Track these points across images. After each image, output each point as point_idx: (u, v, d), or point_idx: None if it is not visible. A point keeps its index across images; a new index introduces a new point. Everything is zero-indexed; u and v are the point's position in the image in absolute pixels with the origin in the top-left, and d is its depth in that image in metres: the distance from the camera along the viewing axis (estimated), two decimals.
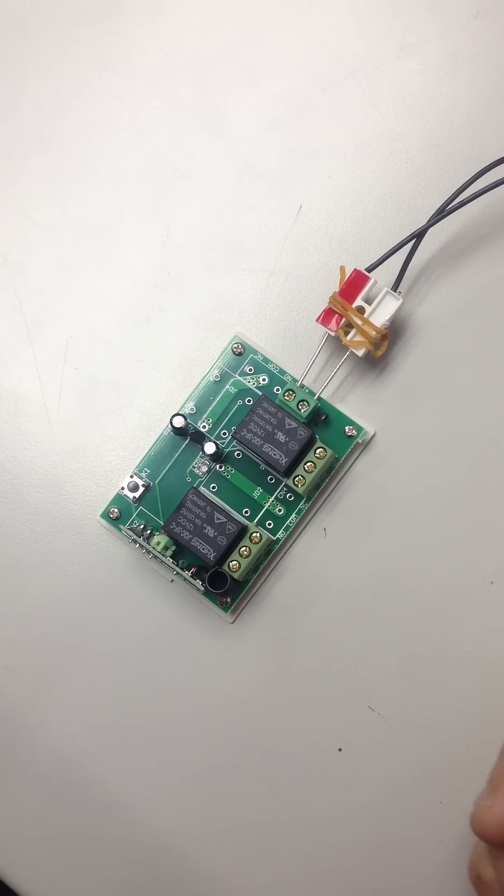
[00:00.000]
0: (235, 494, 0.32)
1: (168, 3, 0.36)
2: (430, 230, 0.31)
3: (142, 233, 0.34)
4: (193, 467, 0.32)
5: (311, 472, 0.31)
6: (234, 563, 0.31)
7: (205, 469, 0.32)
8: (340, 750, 0.32)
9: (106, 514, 0.32)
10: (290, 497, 0.32)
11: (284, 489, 0.32)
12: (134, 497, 0.32)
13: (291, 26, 0.34)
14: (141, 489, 0.32)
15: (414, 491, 0.32)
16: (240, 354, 0.33)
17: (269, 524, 0.32)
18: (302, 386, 0.32)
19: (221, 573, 0.31)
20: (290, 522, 0.32)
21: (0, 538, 0.33)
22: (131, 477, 0.32)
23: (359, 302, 0.31)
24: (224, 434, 0.32)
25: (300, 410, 0.31)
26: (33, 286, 0.34)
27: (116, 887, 0.32)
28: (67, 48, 0.36)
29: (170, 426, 0.32)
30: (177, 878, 0.31)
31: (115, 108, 0.35)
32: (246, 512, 0.32)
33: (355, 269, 0.31)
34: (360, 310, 0.31)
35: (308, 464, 0.31)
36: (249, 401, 0.32)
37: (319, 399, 0.32)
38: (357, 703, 0.32)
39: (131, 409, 0.33)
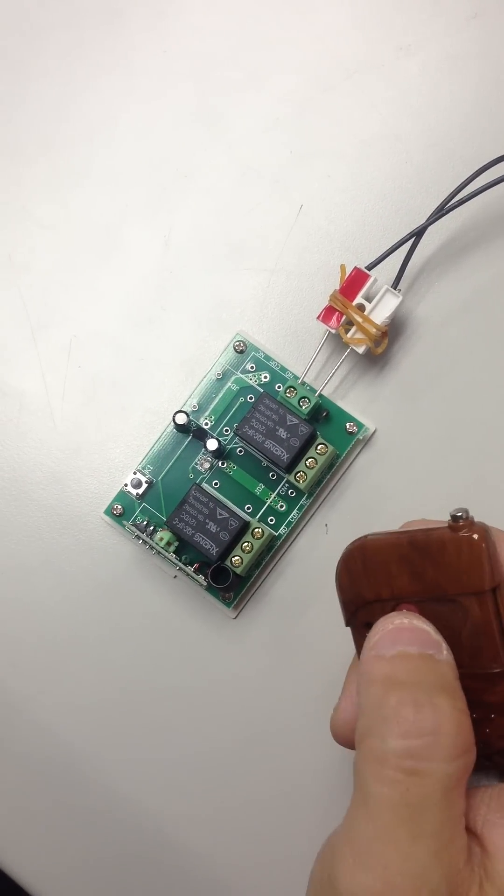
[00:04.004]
0: (238, 490, 0.32)
1: (170, 7, 0.36)
2: (430, 228, 0.32)
3: (144, 233, 0.35)
4: (196, 464, 0.33)
5: (313, 468, 0.31)
6: (237, 558, 0.31)
7: (207, 465, 0.32)
8: None
9: (109, 511, 0.33)
10: (291, 493, 0.32)
11: (286, 485, 0.32)
12: (137, 494, 0.32)
13: (292, 28, 0.35)
14: (144, 486, 0.32)
15: (414, 487, 0.33)
16: (241, 352, 0.33)
17: (271, 520, 0.32)
18: (303, 383, 0.32)
19: (224, 568, 0.31)
20: (292, 518, 0.32)
21: (4, 535, 0.33)
22: (134, 474, 0.32)
23: (359, 300, 0.32)
24: (226, 431, 0.33)
25: (301, 407, 0.32)
26: (37, 286, 0.35)
27: (116, 877, 0.32)
28: (70, 51, 0.36)
29: (172, 423, 0.32)
30: (179, 870, 0.32)
31: (117, 110, 0.36)
32: (248, 508, 0.32)
33: (355, 268, 0.32)
34: (361, 307, 0.32)
35: (309, 460, 0.31)
36: (251, 398, 0.33)
37: (320, 396, 0.32)
38: None
39: (134, 406, 0.34)
